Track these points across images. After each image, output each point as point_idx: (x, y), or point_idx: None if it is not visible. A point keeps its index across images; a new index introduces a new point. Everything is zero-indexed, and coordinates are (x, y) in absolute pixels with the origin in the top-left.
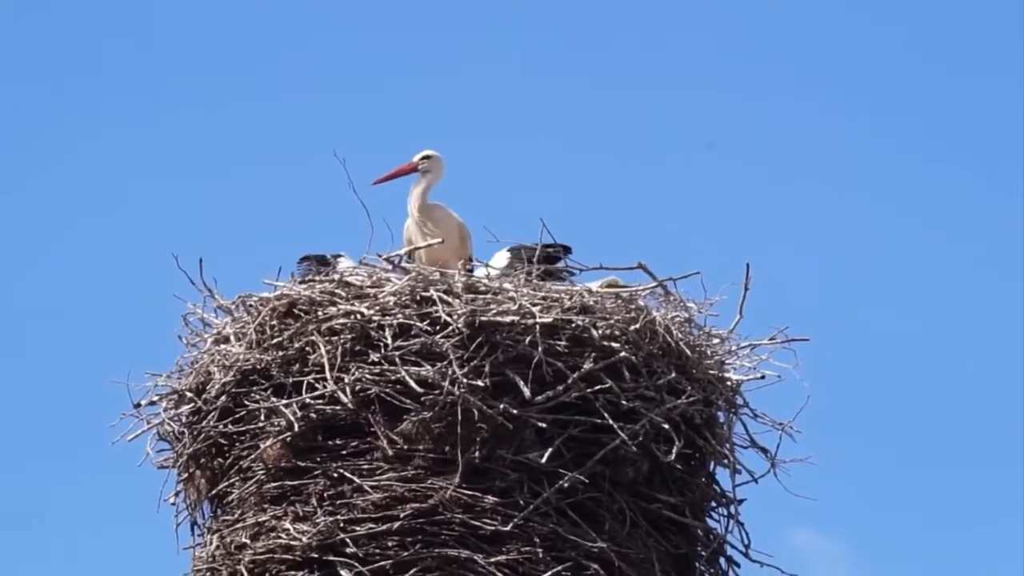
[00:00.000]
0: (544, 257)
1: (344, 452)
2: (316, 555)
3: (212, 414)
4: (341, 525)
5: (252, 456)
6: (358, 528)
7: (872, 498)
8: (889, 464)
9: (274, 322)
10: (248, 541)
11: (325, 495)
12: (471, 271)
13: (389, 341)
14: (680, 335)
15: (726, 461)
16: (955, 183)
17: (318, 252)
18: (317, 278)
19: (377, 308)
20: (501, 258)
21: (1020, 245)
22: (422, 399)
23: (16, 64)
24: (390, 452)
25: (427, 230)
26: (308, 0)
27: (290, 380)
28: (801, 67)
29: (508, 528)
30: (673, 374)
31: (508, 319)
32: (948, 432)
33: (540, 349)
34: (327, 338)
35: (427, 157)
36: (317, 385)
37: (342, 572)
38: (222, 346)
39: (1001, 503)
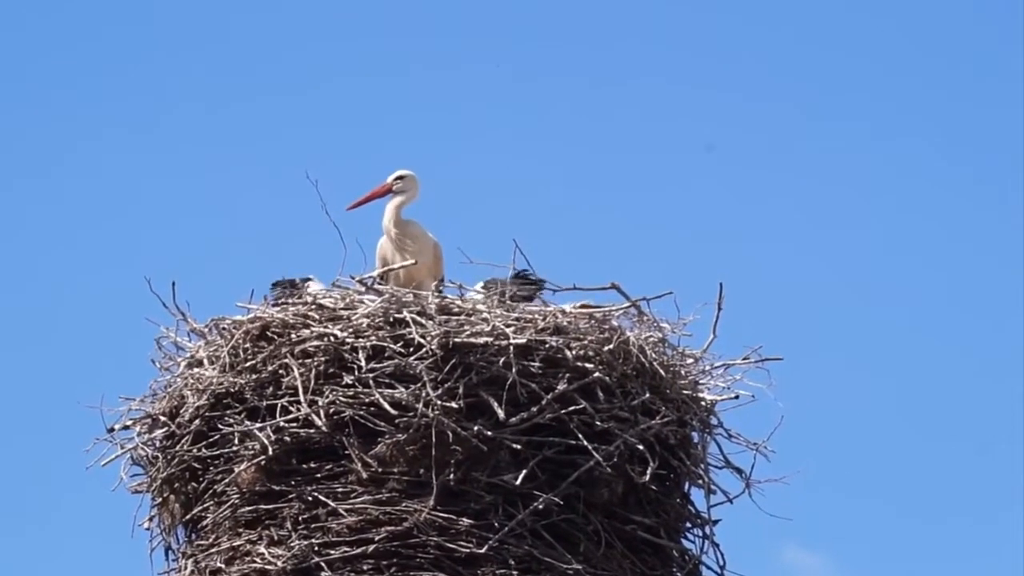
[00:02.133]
0: (518, 291)
1: (319, 475)
2: None
3: (186, 438)
4: (316, 549)
5: (226, 480)
6: (333, 552)
7: (854, 513)
8: (865, 479)
9: (247, 345)
10: (223, 566)
11: (300, 519)
12: (441, 292)
13: (363, 363)
14: (654, 355)
15: (701, 482)
16: (937, 204)
17: (290, 275)
18: (290, 300)
19: (350, 330)
20: (476, 294)
21: (1003, 264)
22: (396, 421)
23: None
24: (364, 475)
25: (404, 246)
26: (275, 20)
27: (264, 403)
28: (781, 73)
29: (483, 550)
30: (647, 394)
31: (482, 340)
32: (923, 446)
33: (514, 370)
34: (301, 361)
35: (401, 177)
36: (291, 408)
37: None
38: (195, 370)
39: (984, 509)
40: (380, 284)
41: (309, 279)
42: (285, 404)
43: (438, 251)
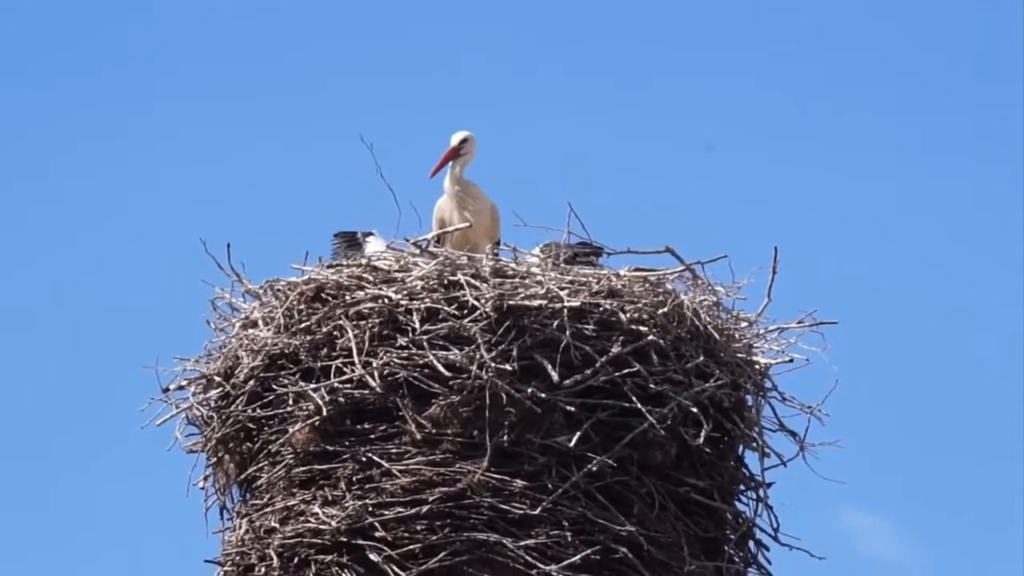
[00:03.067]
0: (575, 255)
1: (372, 436)
2: (345, 539)
3: (240, 398)
4: (370, 509)
5: (281, 440)
6: (387, 512)
7: (912, 476)
8: (917, 445)
9: (302, 306)
10: (277, 525)
11: (354, 479)
12: (498, 255)
13: (417, 325)
14: (708, 319)
15: (755, 444)
16: (982, 170)
17: (350, 230)
18: (345, 262)
19: (405, 292)
20: (532, 257)
21: None
22: (450, 383)
23: (43, 43)
24: (418, 436)
25: (465, 205)
26: None
27: (318, 364)
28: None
29: (537, 512)
30: (701, 358)
31: (536, 303)
32: (973, 411)
33: (568, 333)
34: (355, 322)
35: (464, 140)
36: (345, 369)
37: (371, 556)
38: (250, 331)
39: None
40: (436, 247)
41: (371, 233)
42: (339, 365)
43: (495, 213)
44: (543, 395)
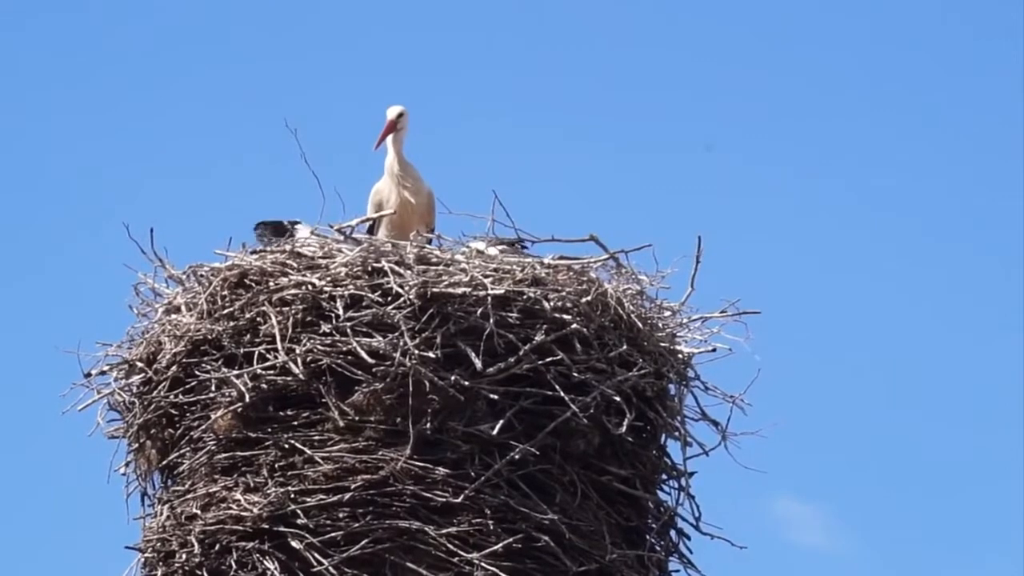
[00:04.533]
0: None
1: (295, 423)
2: (267, 526)
3: (163, 384)
4: (292, 496)
5: (203, 427)
6: (309, 499)
7: (841, 467)
8: (839, 436)
9: (225, 292)
10: (199, 512)
11: (276, 466)
12: (430, 242)
13: (340, 312)
14: (632, 307)
15: (677, 434)
16: (915, 160)
17: (275, 219)
18: (268, 248)
19: (328, 279)
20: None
21: (979, 214)
22: (373, 370)
23: None
24: (341, 423)
25: (405, 184)
26: None
27: (241, 351)
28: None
29: (459, 500)
30: (624, 346)
31: (460, 291)
32: (896, 398)
33: (492, 321)
34: (278, 309)
35: (400, 114)
36: (268, 356)
37: (293, 543)
38: (173, 316)
39: (960, 465)
40: (367, 235)
41: (298, 222)
42: (262, 352)
43: (432, 199)
44: (466, 383)
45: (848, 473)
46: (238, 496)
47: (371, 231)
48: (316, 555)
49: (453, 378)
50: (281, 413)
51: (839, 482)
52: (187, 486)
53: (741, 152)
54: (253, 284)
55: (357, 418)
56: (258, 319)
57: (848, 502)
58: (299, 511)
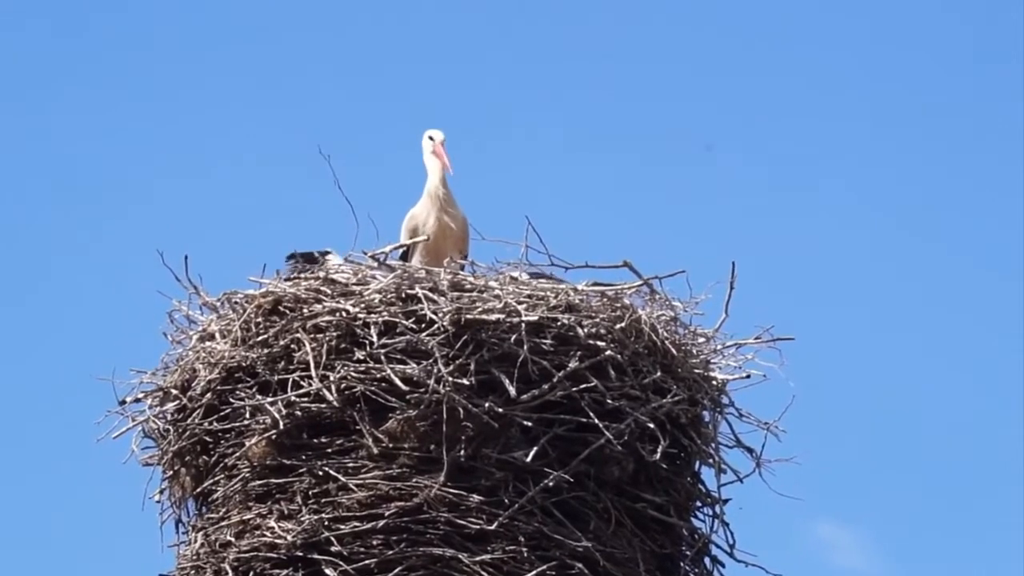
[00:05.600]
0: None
1: (329, 450)
2: (301, 553)
3: (197, 411)
4: (326, 523)
5: (237, 454)
6: (343, 526)
7: (881, 492)
8: (876, 460)
9: (259, 319)
10: (233, 539)
11: (310, 493)
12: (463, 268)
13: (375, 339)
14: (666, 334)
15: (711, 460)
16: (949, 184)
17: (305, 249)
18: (303, 275)
19: (362, 306)
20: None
21: (1015, 244)
22: (407, 397)
23: None
24: (375, 450)
25: (447, 208)
26: None
27: (275, 378)
28: (794, 66)
29: (493, 527)
30: (659, 373)
31: (494, 317)
32: (935, 425)
33: (526, 347)
34: (312, 335)
35: (443, 141)
36: (302, 383)
37: (327, 571)
38: (207, 343)
39: (992, 499)
40: (401, 262)
41: (328, 252)
42: (296, 379)
43: (467, 225)
44: (500, 410)
45: (887, 497)
46: (272, 523)
47: (404, 258)
48: None
49: (487, 405)
50: (315, 440)
51: (878, 506)
52: (221, 513)
53: (774, 178)
54: (287, 311)
55: (391, 445)
56: (292, 346)
57: (888, 526)
58: (333, 538)
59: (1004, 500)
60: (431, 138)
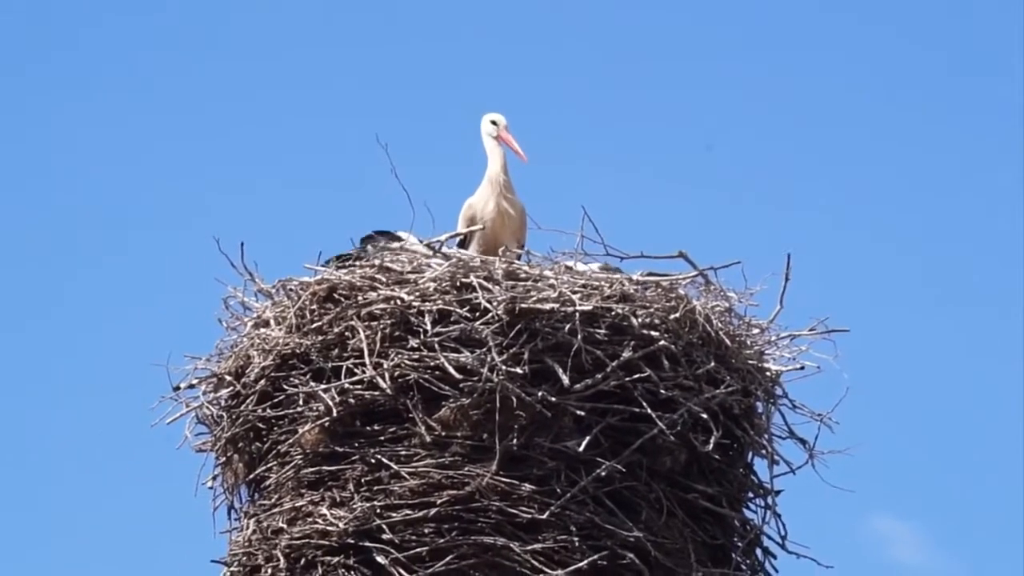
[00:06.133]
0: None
1: (382, 438)
2: (352, 541)
3: (251, 398)
4: (378, 511)
5: (290, 441)
6: (394, 514)
7: (935, 485)
8: (932, 453)
9: (314, 306)
10: (285, 526)
11: (362, 481)
12: (519, 257)
13: (428, 327)
14: (720, 324)
15: (764, 452)
16: (992, 175)
17: (346, 246)
18: (357, 263)
19: (417, 294)
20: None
21: None
22: (461, 386)
23: (46, 41)
24: (428, 438)
25: (508, 193)
26: None
27: (329, 365)
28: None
29: (545, 516)
30: (712, 363)
31: (548, 306)
32: (991, 419)
33: (579, 337)
34: (366, 323)
35: (505, 125)
36: (356, 370)
37: (378, 558)
38: (262, 330)
39: None
40: (459, 249)
41: (405, 233)
42: (350, 366)
43: (524, 213)
44: (553, 399)
45: (944, 491)
46: (324, 511)
47: (462, 246)
48: (401, 570)
49: (540, 394)
50: (368, 428)
51: (935, 500)
52: (273, 500)
53: (831, 170)
54: (342, 298)
55: (444, 433)
56: (346, 333)
57: (945, 520)
58: (384, 526)
59: None
60: (494, 123)
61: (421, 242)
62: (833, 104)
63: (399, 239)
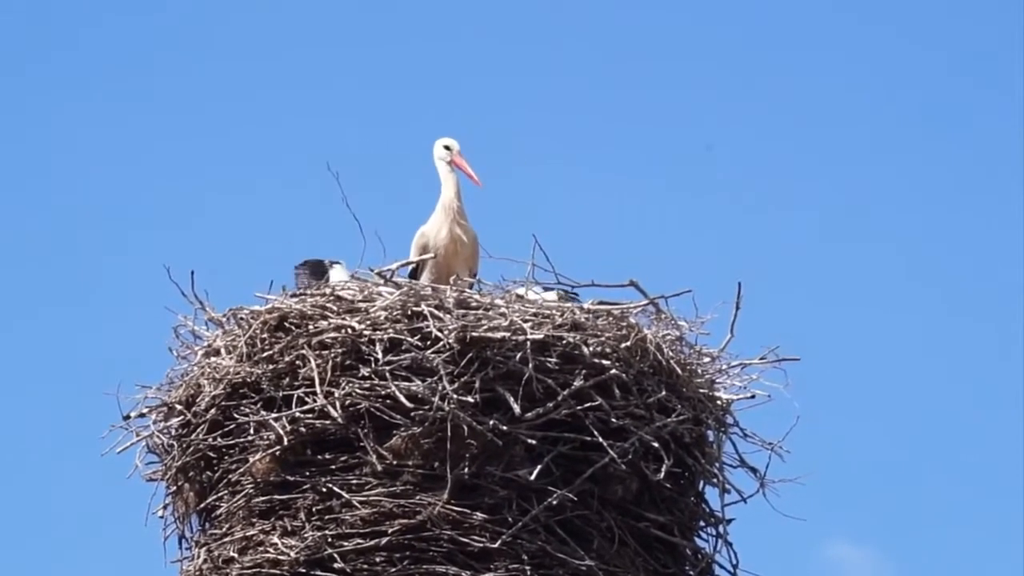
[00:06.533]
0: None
1: (333, 467)
2: (304, 570)
3: (201, 427)
4: (329, 540)
5: (241, 470)
6: (346, 543)
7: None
8: (883, 481)
9: (265, 335)
10: (236, 555)
11: (314, 510)
12: (471, 286)
13: (379, 356)
14: (671, 353)
15: (715, 480)
16: (951, 198)
17: (316, 258)
18: (309, 291)
19: (368, 323)
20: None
21: (1016, 258)
22: (412, 414)
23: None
24: (379, 467)
25: (460, 223)
26: (305, 8)
27: (280, 394)
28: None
29: (496, 545)
30: (663, 392)
31: (499, 335)
32: (938, 446)
33: (531, 366)
34: (317, 352)
35: (459, 151)
36: (307, 399)
37: None
38: (212, 359)
39: (998, 514)
40: (408, 279)
41: (337, 262)
42: (301, 395)
43: (477, 241)
44: (504, 427)
45: (897, 516)
46: (275, 540)
47: (414, 276)
48: None
49: (491, 423)
50: (319, 457)
51: (889, 525)
52: (225, 529)
53: (781, 199)
54: (293, 327)
55: (395, 462)
56: (297, 362)
57: (899, 544)
58: (336, 555)
59: (1013, 515)
60: (447, 148)
61: (352, 275)
62: (779, 135)
63: (324, 269)
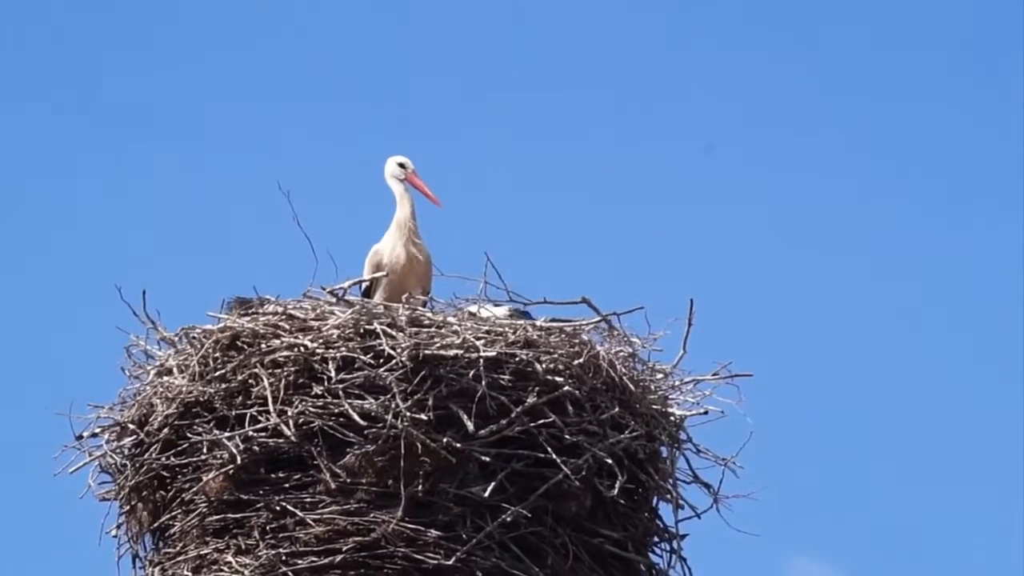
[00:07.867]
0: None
1: (287, 485)
2: None
3: (154, 446)
4: (283, 558)
5: (194, 489)
6: (300, 561)
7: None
8: (839, 496)
9: (217, 354)
10: (190, 574)
11: (268, 528)
12: (424, 304)
13: (332, 374)
14: (624, 370)
15: (669, 496)
16: (906, 209)
17: (249, 293)
18: (261, 310)
19: (321, 341)
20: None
21: (968, 269)
22: (365, 432)
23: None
24: (333, 485)
25: (415, 241)
26: (256, 24)
27: (233, 413)
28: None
29: (451, 562)
30: (616, 409)
31: (452, 353)
32: (893, 460)
33: (484, 383)
34: (270, 371)
35: (413, 169)
36: (260, 418)
37: None
38: (165, 378)
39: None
40: (361, 298)
41: (268, 300)
42: (254, 414)
43: (430, 260)
44: (458, 445)
45: (857, 530)
46: (229, 558)
47: (367, 294)
48: None
49: (445, 440)
50: (273, 475)
51: (850, 539)
52: (178, 548)
53: (732, 215)
54: (245, 346)
55: (349, 480)
56: (250, 381)
57: (861, 559)
58: (290, 573)
59: (974, 529)
60: (402, 166)
61: (286, 308)
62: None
63: (251, 305)
